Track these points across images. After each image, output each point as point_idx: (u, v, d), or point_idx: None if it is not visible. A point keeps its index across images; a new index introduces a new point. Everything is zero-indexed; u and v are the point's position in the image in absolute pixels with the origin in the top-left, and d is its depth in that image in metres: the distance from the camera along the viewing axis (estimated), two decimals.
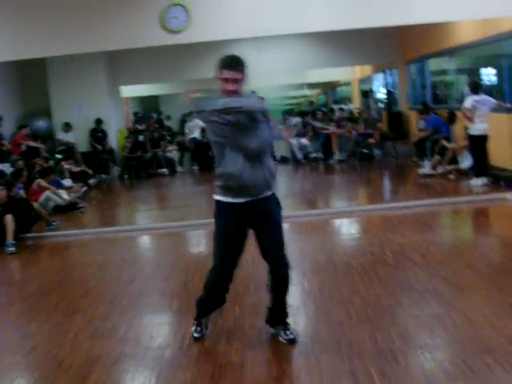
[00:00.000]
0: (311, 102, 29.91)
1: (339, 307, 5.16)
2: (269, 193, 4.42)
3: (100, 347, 4.69)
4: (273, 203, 4.50)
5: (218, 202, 4.37)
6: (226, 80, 4.21)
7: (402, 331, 4.50)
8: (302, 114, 18.70)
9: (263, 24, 9.32)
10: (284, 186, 13.04)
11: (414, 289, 5.45)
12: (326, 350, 4.31)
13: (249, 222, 4.38)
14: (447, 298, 5.16)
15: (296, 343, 4.44)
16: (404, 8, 9.39)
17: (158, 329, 5.12)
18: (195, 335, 4.63)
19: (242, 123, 4.12)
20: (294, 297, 5.65)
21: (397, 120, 17.02)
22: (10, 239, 8.55)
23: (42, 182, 11.27)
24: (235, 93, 4.22)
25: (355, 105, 21.39)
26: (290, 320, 4.59)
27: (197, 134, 17.39)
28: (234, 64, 4.24)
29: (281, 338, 4.50)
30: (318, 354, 4.26)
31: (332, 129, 16.66)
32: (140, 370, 4.24)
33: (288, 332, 4.51)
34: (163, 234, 9.20)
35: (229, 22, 9.29)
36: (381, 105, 19.18)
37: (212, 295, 4.59)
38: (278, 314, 4.57)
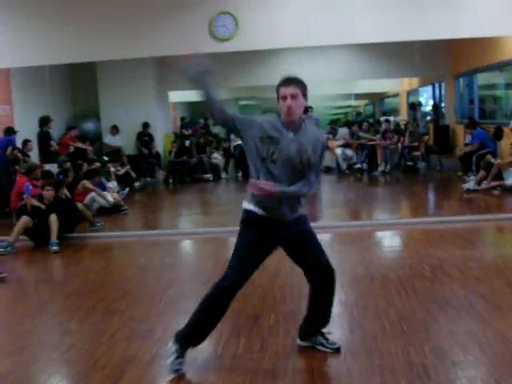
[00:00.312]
0: (358, 113, 29.84)
1: (374, 320, 5.17)
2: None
3: (135, 348, 4.78)
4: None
5: None
6: (284, 98, 4.02)
7: (436, 347, 4.48)
8: (348, 124, 18.70)
9: (310, 34, 9.37)
10: (327, 196, 13.05)
11: (450, 304, 5.43)
12: (358, 362, 4.32)
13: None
14: (483, 315, 5.12)
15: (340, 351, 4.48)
16: (454, 22, 9.36)
17: None
18: (175, 368, 4.20)
19: None
20: None
21: (443, 133, 16.90)
22: (54, 238, 8.74)
23: (87, 184, 11.47)
24: (293, 121, 4.07)
25: (403, 117, 21.29)
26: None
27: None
28: (289, 80, 4.08)
29: (322, 347, 4.52)
30: (349, 366, 4.27)
31: (377, 140, 16.62)
32: None
33: (330, 341, 4.55)
34: (205, 239, 9.29)
35: (276, 31, 9.37)
36: (428, 118, 19.06)
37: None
38: (320, 322, 4.55)
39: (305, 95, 4.09)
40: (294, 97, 4.00)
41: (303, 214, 4.40)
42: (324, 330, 4.58)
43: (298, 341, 4.62)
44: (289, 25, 9.36)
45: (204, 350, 4.70)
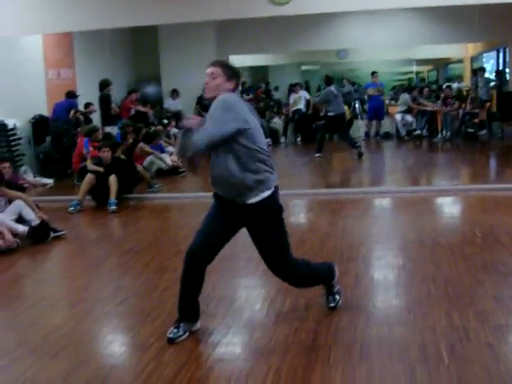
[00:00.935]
0: (422, 79, 29.35)
1: (420, 283, 5.20)
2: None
3: None
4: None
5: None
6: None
7: (479, 311, 4.51)
8: (410, 89, 18.46)
9: None
10: (385, 162, 13.01)
11: (497, 270, 5.42)
12: (400, 323, 4.39)
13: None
14: None
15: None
16: None
17: (242, 291, 5.33)
18: (169, 336, 4.30)
19: None
20: (377, 270, 5.76)
21: (506, 100, 16.52)
22: (112, 198, 8.98)
23: (145, 147, 11.68)
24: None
25: (466, 83, 20.87)
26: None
27: (301, 106, 17.48)
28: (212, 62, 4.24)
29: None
30: (391, 325, 4.35)
31: (432, 106, 16.43)
32: (219, 328, 4.45)
33: (330, 297, 4.71)
34: None
35: None
36: (491, 84, 18.65)
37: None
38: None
39: (228, 76, 4.17)
40: (211, 76, 4.14)
41: (267, 206, 4.20)
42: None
43: None
44: None
45: (250, 308, 4.84)
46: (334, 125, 13.62)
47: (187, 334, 4.33)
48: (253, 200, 4.14)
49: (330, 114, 13.45)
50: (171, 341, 4.25)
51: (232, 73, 4.20)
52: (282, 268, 4.37)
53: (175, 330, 4.30)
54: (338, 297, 4.70)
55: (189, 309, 4.38)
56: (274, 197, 4.19)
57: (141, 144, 11.72)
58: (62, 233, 7.47)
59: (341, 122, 13.60)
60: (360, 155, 12.99)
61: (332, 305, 4.66)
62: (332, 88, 13.53)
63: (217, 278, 5.58)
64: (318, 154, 13.39)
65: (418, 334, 4.15)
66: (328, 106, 13.55)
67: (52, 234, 7.34)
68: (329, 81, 13.66)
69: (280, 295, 5.02)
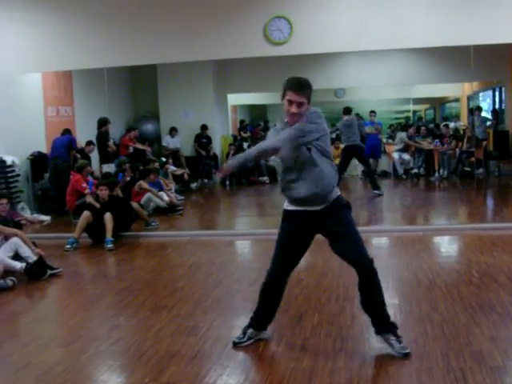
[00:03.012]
0: (419, 118, 29.54)
1: (416, 323, 5.19)
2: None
3: (179, 344, 4.92)
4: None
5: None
6: (290, 102, 4.26)
7: (476, 352, 4.48)
8: (407, 127, 18.57)
9: (364, 39, 9.36)
10: (383, 200, 13.03)
11: (494, 310, 5.41)
12: (395, 364, 4.37)
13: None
14: None
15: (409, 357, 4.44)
16: (510, 25, 9.22)
17: (237, 331, 5.28)
18: (235, 340, 4.82)
19: None
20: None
21: (503, 139, 16.63)
22: (108, 236, 8.97)
23: (144, 184, 11.70)
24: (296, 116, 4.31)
25: (463, 122, 21.01)
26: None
27: None
28: (298, 87, 4.28)
29: (390, 348, 4.52)
30: (387, 367, 4.33)
31: (427, 144, 16.53)
32: (214, 368, 4.42)
33: (401, 345, 4.50)
34: (257, 240, 9.39)
35: (331, 35, 9.39)
36: (488, 123, 18.79)
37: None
38: (377, 320, 4.61)
39: (309, 98, 4.29)
40: (300, 105, 4.24)
41: (340, 201, 4.53)
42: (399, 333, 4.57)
43: (374, 334, 4.67)
44: (343, 29, 9.38)
45: (245, 348, 4.81)
46: (344, 157, 13.23)
47: (251, 340, 4.78)
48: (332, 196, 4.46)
49: (342, 144, 13.24)
50: (235, 345, 4.75)
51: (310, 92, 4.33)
52: (367, 254, 4.51)
53: (241, 336, 4.79)
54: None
55: (261, 319, 4.84)
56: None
57: (140, 181, 11.75)
58: (58, 271, 7.45)
59: (352, 153, 13.18)
60: (379, 195, 13.10)
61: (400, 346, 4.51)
62: (347, 117, 13.22)
63: (212, 317, 5.58)
64: None
65: (414, 376, 4.13)
66: (342, 136, 13.41)
67: (49, 272, 7.32)
68: (345, 111, 13.42)
69: (276, 335, 5.01)
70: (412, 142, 16.72)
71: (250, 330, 4.81)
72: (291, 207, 4.55)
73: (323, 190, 4.39)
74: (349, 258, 4.52)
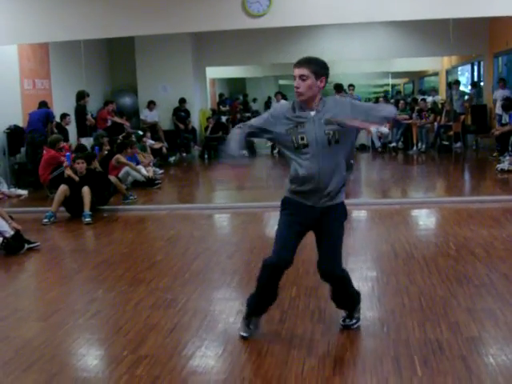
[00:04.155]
0: (398, 91, 29.57)
1: (394, 295, 5.24)
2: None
3: (158, 317, 4.92)
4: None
5: None
6: (294, 78, 4.08)
7: (452, 323, 4.53)
8: (385, 101, 18.56)
9: (344, 11, 9.33)
10: (361, 174, 13.08)
11: (470, 282, 5.46)
12: (373, 335, 4.41)
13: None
14: (503, 294, 5.15)
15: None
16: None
17: (215, 303, 5.31)
18: (243, 334, 4.43)
19: None
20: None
21: (481, 113, 16.70)
22: (86, 210, 8.92)
23: (121, 158, 11.62)
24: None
25: (442, 96, 21.05)
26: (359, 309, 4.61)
27: None
28: (300, 61, 4.11)
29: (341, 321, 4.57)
30: (364, 338, 4.38)
31: (413, 119, 16.55)
32: (193, 340, 4.43)
33: (347, 320, 4.54)
34: (236, 213, 9.41)
35: (310, 8, 9.34)
36: (466, 97, 18.84)
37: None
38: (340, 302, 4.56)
39: (320, 75, 4.07)
40: (302, 78, 4.03)
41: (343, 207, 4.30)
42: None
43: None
44: (322, 1, 9.32)
45: (224, 320, 4.83)
46: None
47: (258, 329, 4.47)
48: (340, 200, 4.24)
49: None
50: (245, 338, 4.40)
51: (319, 68, 4.10)
52: (340, 267, 4.30)
53: (247, 328, 4.42)
54: (355, 321, 4.56)
55: (260, 307, 4.45)
56: None
57: (117, 155, 11.67)
58: (35, 245, 7.40)
59: None
60: None
61: (351, 323, 4.54)
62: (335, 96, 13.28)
63: (191, 290, 5.59)
64: None
65: (391, 347, 4.16)
66: None
67: (26, 246, 7.27)
68: (337, 88, 13.49)
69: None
70: None
71: (255, 319, 4.45)
72: (294, 196, 4.28)
73: (337, 188, 4.17)
74: (319, 266, 4.32)
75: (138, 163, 12.30)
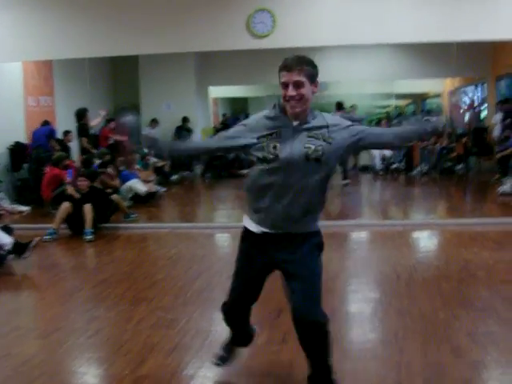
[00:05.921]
0: (400, 113, 29.62)
1: (396, 317, 5.21)
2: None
3: (159, 336, 4.90)
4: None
5: None
6: (285, 85, 3.36)
7: (454, 346, 4.50)
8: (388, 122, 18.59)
9: (348, 33, 9.35)
10: (363, 195, 13.08)
11: (473, 306, 5.45)
12: (375, 357, 4.38)
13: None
14: (506, 318, 5.12)
15: None
16: (492, 23, 9.25)
17: (217, 323, 5.26)
18: (214, 360, 4.14)
19: None
20: (354, 304, 5.76)
21: (483, 135, 16.70)
22: (88, 228, 8.92)
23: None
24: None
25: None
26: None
27: None
28: (291, 63, 3.37)
29: None
30: (366, 360, 4.34)
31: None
32: (193, 361, 4.41)
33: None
34: (237, 233, 9.31)
35: (314, 29, 9.36)
36: (466, 118, 18.88)
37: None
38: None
39: (314, 78, 3.40)
40: (297, 86, 3.33)
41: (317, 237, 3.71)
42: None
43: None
44: (327, 22, 9.36)
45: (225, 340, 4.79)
46: None
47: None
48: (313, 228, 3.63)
49: None
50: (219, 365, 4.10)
51: (313, 70, 3.42)
52: (320, 310, 3.68)
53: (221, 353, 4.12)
54: None
55: (242, 338, 4.16)
56: None
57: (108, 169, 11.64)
58: (34, 241, 7.51)
59: None
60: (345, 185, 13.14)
61: None
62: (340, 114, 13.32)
63: (192, 309, 5.57)
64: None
65: (393, 370, 4.14)
66: None
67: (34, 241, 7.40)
68: (338, 106, 13.59)
69: (256, 327, 4.98)
70: None
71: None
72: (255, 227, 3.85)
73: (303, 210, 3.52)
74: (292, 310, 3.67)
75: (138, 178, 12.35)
